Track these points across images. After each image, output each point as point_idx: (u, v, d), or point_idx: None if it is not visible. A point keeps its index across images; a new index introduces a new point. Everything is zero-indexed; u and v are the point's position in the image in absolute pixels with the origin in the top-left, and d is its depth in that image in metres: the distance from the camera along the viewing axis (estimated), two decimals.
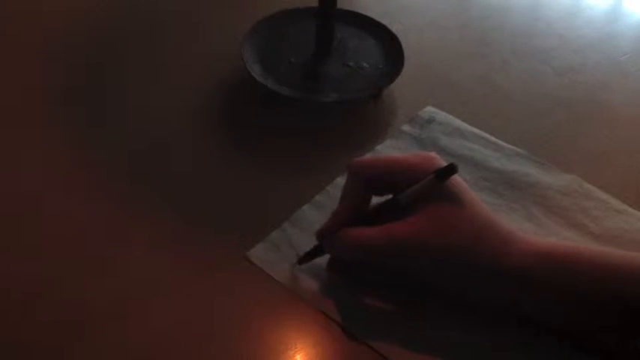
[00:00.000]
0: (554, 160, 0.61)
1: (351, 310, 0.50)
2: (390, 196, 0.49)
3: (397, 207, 0.48)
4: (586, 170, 0.60)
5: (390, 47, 0.69)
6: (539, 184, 0.59)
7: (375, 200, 0.51)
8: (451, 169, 0.46)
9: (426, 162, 0.48)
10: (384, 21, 0.72)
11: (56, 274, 0.52)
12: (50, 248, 0.53)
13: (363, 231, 0.48)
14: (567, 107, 0.68)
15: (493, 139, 0.63)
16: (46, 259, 0.53)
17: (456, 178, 0.48)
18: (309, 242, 0.52)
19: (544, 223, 0.56)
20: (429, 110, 0.66)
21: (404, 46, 0.69)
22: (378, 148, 0.63)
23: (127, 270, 0.52)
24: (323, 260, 0.52)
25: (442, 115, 0.66)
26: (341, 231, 0.48)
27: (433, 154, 0.49)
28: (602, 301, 0.45)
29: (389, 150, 0.62)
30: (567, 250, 0.47)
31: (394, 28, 0.71)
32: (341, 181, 0.58)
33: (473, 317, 0.49)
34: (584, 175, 0.60)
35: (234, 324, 0.49)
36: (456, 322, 0.49)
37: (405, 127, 0.65)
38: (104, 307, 0.50)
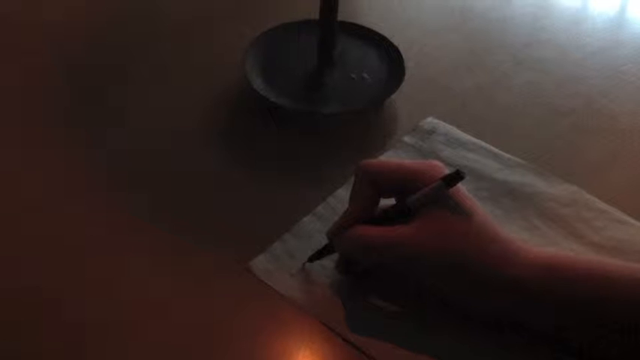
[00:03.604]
0: (555, 170, 0.61)
1: (351, 320, 0.50)
2: (393, 200, 0.51)
3: (405, 210, 0.49)
4: (587, 180, 0.60)
5: (391, 58, 0.70)
6: (540, 194, 0.59)
7: (384, 202, 0.51)
8: (458, 176, 0.47)
9: (432, 169, 0.49)
10: (386, 32, 0.72)
11: (54, 283, 0.52)
12: (48, 256, 0.54)
13: (369, 230, 0.49)
14: (568, 117, 0.68)
15: (494, 149, 0.63)
16: (44, 268, 0.53)
17: (462, 188, 0.49)
18: (310, 253, 0.53)
19: (545, 233, 0.56)
20: (430, 121, 0.66)
21: (405, 57, 0.69)
22: (380, 158, 0.63)
23: (126, 281, 0.52)
24: (325, 271, 0.53)
25: (443, 126, 0.66)
26: (349, 229, 0.49)
27: (439, 162, 0.50)
28: (602, 314, 0.45)
29: None
30: (567, 262, 0.47)
31: (395, 40, 0.71)
32: (342, 192, 0.59)
33: (476, 329, 0.49)
34: (586, 186, 0.60)
35: (235, 335, 0.49)
36: (460, 334, 0.49)
37: (407, 138, 0.65)
38: (104, 319, 0.50)
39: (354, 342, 0.49)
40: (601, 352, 0.46)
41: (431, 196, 0.48)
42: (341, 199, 0.58)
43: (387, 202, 0.51)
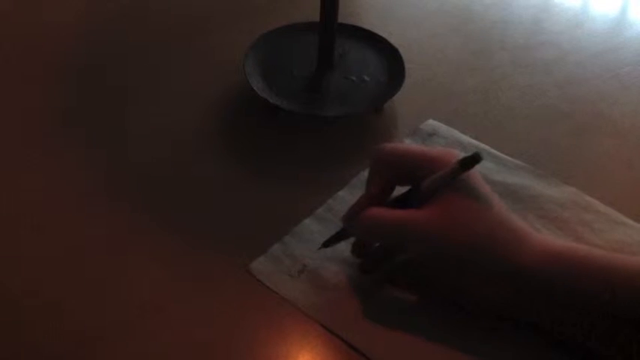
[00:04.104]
0: (554, 172, 0.61)
1: (352, 322, 0.50)
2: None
3: (418, 195, 0.48)
4: (587, 182, 0.60)
5: (391, 60, 0.70)
6: (540, 196, 0.59)
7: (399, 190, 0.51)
8: (475, 158, 0.46)
9: (447, 156, 0.49)
10: (386, 34, 0.72)
11: (55, 283, 0.52)
12: (48, 256, 0.54)
13: (383, 211, 0.49)
14: (568, 120, 0.68)
15: (494, 151, 0.63)
16: (46, 272, 0.53)
17: (476, 174, 0.48)
18: (310, 255, 0.53)
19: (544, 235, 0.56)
20: (431, 123, 0.66)
21: (405, 59, 0.69)
22: None
23: (126, 281, 0.52)
24: (325, 273, 0.53)
25: (443, 128, 0.66)
26: (363, 212, 0.49)
27: (454, 150, 0.50)
28: (602, 307, 0.45)
29: None
30: (578, 252, 0.47)
31: (395, 42, 0.71)
32: (342, 194, 0.59)
33: (476, 328, 0.49)
34: (585, 188, 0.60)
35: (235, 337, 0.49)
36: (461, 335, 0.49)
37: (407, 140, 0.65)
38: (104, 319, 0.50)
39: (355, 344, 0.49)
40: (601, 349, 0.46)
41: (446, 178, 0.47)
42: (341, 200, 0.58)
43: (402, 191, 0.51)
